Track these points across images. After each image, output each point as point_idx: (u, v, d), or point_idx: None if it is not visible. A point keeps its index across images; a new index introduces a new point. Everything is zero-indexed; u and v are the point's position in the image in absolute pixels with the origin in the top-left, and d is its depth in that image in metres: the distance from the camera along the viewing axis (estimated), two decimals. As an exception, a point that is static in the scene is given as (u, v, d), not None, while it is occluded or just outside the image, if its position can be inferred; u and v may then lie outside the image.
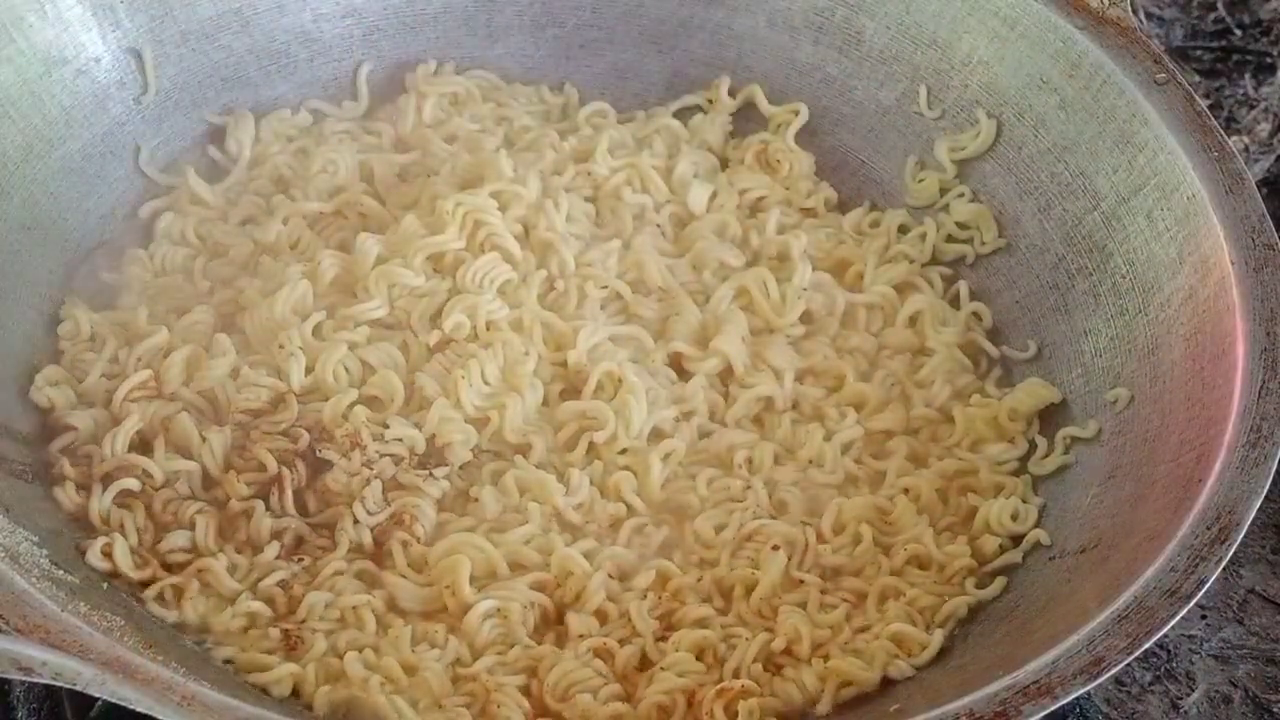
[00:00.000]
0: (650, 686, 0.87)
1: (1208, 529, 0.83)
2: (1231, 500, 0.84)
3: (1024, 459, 1.03)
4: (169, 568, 0.91)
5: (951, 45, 1.16)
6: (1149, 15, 1.60)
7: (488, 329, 1.02)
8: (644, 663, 0.90)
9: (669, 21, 1.22)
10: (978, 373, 1.08)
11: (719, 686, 0.86)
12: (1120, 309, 1.03)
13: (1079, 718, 1.01)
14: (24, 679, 0.69)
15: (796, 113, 1.21)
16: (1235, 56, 1.58)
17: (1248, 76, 1.55)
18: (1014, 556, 0.96)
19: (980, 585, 0.95)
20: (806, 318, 1.09)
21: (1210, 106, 1.37)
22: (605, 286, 1.07)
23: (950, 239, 1.15)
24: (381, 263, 1.04)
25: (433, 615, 0.91)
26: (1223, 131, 1.04)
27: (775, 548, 0.94)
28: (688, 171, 1.16)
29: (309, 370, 1.00)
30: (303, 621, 0.89)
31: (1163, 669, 1.09)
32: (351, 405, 0.98)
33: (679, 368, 1.05)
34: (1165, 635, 0.79)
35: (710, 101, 1.23)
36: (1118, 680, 1.08)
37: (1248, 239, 0.97)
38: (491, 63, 1.23)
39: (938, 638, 0.90)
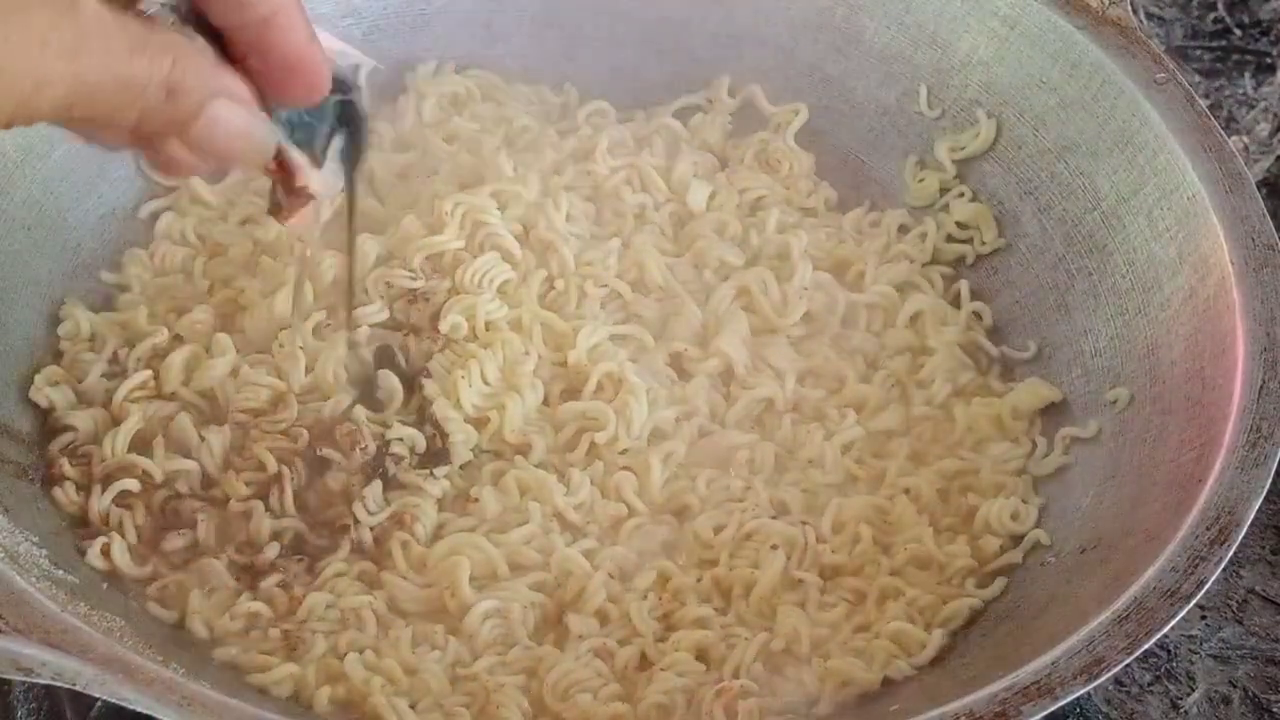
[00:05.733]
0: (650, 686, 0.87)
1: (1208, 529, 0.83)
2: (1231, 500, 0.84)
3: (1024, 459, 1.03)
4: (169, 568, 0.91)
5: (951, 45, 1.16)
6: (1149, 15, 1.60)
7: (487, 329, 1.02)
8: (644, 663, 0.90)
9: (669, 21, 1.22)
10: (978, 372, 1.08)
11: (718, 686, 0.86)
12: (1120, 309, 1.03)
13: (1079, 718, 1.01)
14: (24, 679, 0.69)
15: (796, 113, 1.21)
16: (1235, 56, 1.58)
17: (1248, 76, 1.55)
18: (1014, 556, 0.96)
19: (980, 585, 0.95)
20: (807, 318, 1.09)
21: (1210, 106, 1.37)
22: (605, 286, 1.07)
23: (950, 239, 1.15)
24: (381, 264, 1.04)
25: (433, 616, 0.91)
26: (1223, 131, 1.04)
27: (774, 547, 0.94)
28: (688, 171, 1.16)
29: (309, 370, 1.00)
30: (303, 622, 0.89)
31: (1162, 669, 1.09)
32: (351, 405, 0.98)
33: (679, 368, 1.05)
34: (1165, 635, 0.79)
35: (710, 101, 1.23)
36: (1117, 680, 1.08)
37: (1248, 239, 0.97)
38: (491, 63, 1.23)
39: (937, 637, 0.90)
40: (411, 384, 1.01)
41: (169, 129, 0.65)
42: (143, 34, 0.61)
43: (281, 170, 0.74)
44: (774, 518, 0.97)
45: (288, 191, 0.76)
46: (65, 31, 0.59)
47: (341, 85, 0.75)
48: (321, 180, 0.76)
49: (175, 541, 0.92)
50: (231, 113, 0.66)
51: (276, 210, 0.78)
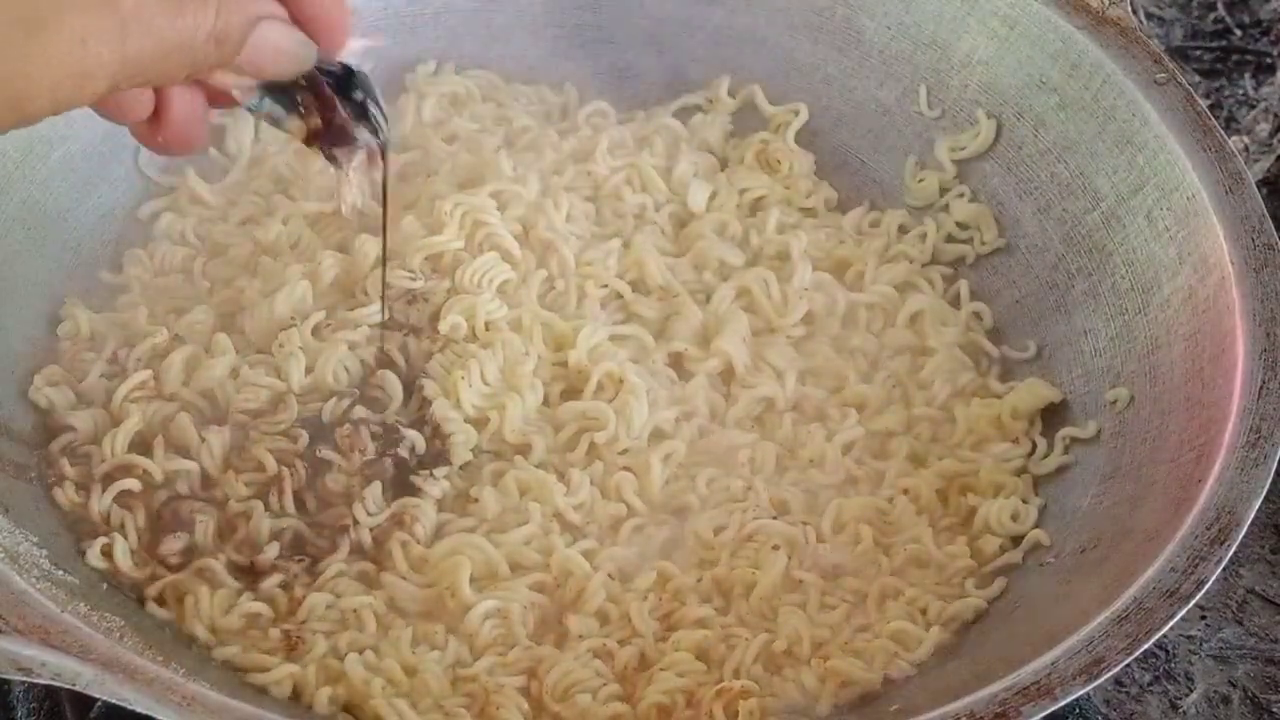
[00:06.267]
0: (650, 687, 0.87)
1: (1208, 529, 0.83)
2: (1231, 500, 0.84)
3: (1024, 459, 1.03)
4: (169, 568, 0.91)
5: (951, 45, 1.16)
6: (1149, 15, 1.60)
7: (487, 329, 1.02)
8: (644, 663, 0.90)
9: (669, 21, 1.23)
10: (978, 373, 1.08)
11: (718, 687, 0.86)
12: (1120, 309, 1.03)
13: (1079, 718, 1.01)
14: (24, 679, 0.69)
15: (796, 113, 1.21)
16: (1235, 56, 1.58)
17: (1248, 76, 1.56)
18: (1014, 557, 0.96)
19: (980, 585, 0.95)
20: (807, 318, 1.09)
21: (1210, 106, 1.37)
22: (605, 286, 1.07)
23: (950, 239, 1.15)
24: (380, 264, 1.04)
25: (433, 616, 0.91)
26: (1223, 131, 1.04)
27: (775, 548, 0.94)
28: (688, 171, 1.16)
29: (309, 370, 1.00)
30: (303, 622, 0.89)
31: (1162, 669, 1.09)
32: (351, 405, 0.98)
33: (680, 368, 1.05)
34: (1164, 636, 0.79)
35: (710, 101, 1.23)
36: (1117, 680, 1.08)
37: (1248, 239, 0.97)
38: (491, 63, 1.23)
39: (934, 633, 0.90)
40: (411, 384, 1.01)
41: (216, 69, 0.67)
42: None
43: (323, 112, 0.76)
44: (774, 518, 0.97)
45: (337, 141, 0.78)
46: (106, 24, 0.60)
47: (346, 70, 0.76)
48: (363, 134, 0.78)
49: (175, 542, 0.92)
50: (272, 33, 0.69)
51: (333, 158, 0.79)
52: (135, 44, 0.61)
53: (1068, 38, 1.10)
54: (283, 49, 0.70)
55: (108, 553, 0.90)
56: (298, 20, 0.71)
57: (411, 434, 0.98)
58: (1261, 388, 0.89)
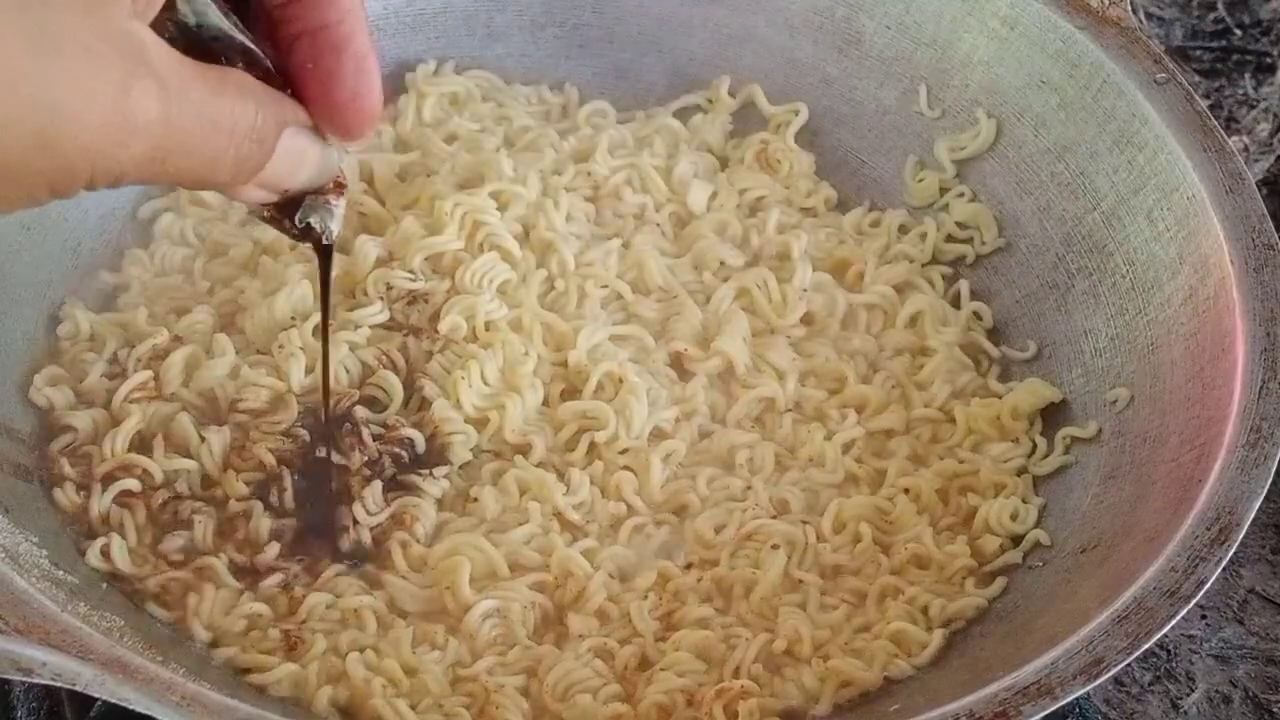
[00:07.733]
0: (650, 686, 0.87)
1: (1208, 529, 0.83)
2: (1231, 500, 0.84)
3: (1024, 459, 1.02)
4: (169, 568, 0.91)
5: (951, 45, 1.16)
6: (1149, 15, 1.60)
7: (487, 329, 1.02)
8: (644, 663, 0.90)
9: (669, 21, 1.23)
10: (978, 373, 1.08)
11: (718, 686, 0.86)
12: (1120, 309, 1.03)
13: (1079, 718, 1.01)
14: (24, 679, 0.69)
15: (796, 113, 1.21)
16: (1235, 56, 1.58)
17: (1248, 76, 1.56)
18: (1014, 556, 0.96)
19: (980, 585, 0.95)
20: (807, 318, 1.09)
21: (1210, 106, 1.37)
22: (605, 286, 1.07)
23: (950, 239, 1.15)
24: (381, 264, 1.04)
25: (433, 616, 0.91)
26: (1223, 131, 1.04)
27: (775, 547, 0.94)
28: (688, 171, 1.16)
29: (309, 370, 1.00)
30: (303, 622, 0.89)
31: (1162, 669, 1.09)
32: (351, 405, 0.98)
33: (680, 368, 1.05)
34: (1165, 635, 0.79)
35: (710, 101, 1.23)
36: (1117, 680, 1.08)
37: (1248, 239, 0.97)
38: (491, 63, 1.23)
39: (937, 637, 0.90)
40: (411, 384, 1.01)
41: (252, 177, 0.62)
42: (218, 75, 0.57)
43: None
44: (774, 517, 0.97)
45: (286, 209, 0.73)
46: (144, 76, 0.53)
47: None
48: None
49: (175, 542, 0.92)
50: (299, 142, 0.64)
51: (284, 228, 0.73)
52: (177, 109, 0.54)
53: (1068, 38, 1.10)
54: (310, 159, 0.64)
55: (107, 553, 0.90)
56: (320, 104, 0.64)
57: (412, 434, 0.98)
58: (1261, 388, 0.89)
